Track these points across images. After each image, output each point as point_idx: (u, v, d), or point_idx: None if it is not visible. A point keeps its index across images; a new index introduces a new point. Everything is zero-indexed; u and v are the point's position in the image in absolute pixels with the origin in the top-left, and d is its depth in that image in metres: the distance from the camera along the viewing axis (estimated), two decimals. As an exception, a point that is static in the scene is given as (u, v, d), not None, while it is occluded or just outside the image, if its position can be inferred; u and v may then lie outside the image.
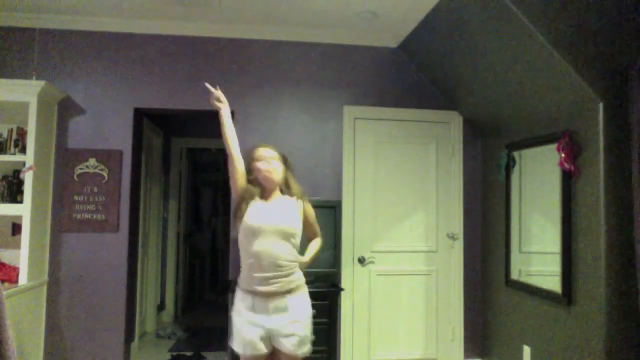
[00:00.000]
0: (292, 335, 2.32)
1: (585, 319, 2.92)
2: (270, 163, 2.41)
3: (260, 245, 2.30)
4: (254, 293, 2.31)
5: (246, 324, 2.31)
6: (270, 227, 2.31)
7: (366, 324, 4.02)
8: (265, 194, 2.43)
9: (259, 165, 2.40)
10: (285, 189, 2.49)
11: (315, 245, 2.60)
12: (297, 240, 2.42)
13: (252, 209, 2.36)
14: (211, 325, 5.61)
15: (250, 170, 2.44)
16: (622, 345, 2.75)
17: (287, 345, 2.31)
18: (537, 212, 3.54)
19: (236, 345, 2.34)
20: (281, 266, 2.31)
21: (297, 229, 2.41)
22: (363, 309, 4.02)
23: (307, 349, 2.37)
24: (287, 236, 2.35)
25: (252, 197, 2.37)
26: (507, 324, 3.78)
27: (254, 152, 2.46)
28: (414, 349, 4.08)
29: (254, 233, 2.31)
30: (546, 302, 3.28)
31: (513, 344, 3.68)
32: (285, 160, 2.50)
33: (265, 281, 2.29)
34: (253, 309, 2.31)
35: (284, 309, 2.33)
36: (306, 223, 2.51)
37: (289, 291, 2.34)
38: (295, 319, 2.34)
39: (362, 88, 4.13)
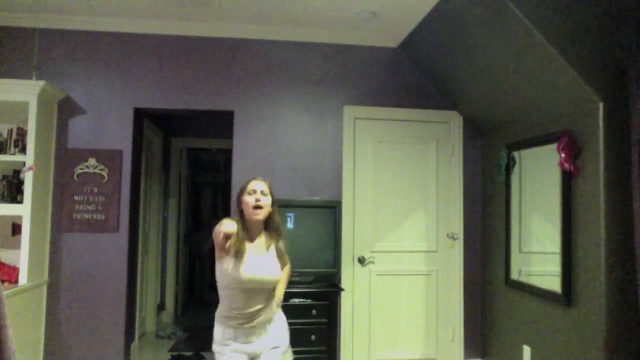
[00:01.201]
0: (277, 347, 2.34)
1: (585, 319, 2.92)
2: (259, 198, 2.28)
3: (247, 299, 2.23)
4: (235, 328, 2.26)
5: (230, 352, 2.26)
6: (258, 281, 2.23)
7: (366, 324, 4.02)
8: (250, 233, 2.31)
9: (248, 199, 2.27)
10: (270, 223, 2.37)
11: (285, 276, 2.55)
12: None
13: (247, 257, 2.23)
14: (211, 325, 5.58)
15: (239, 203, 2.32)
16: (622, 345, 2.75)
17: (272, 357, 2.32)
18: (537, 212, 3.53)
19: None
20: (263, 309, 2.30)
21: (278, 278, 2.36)
22: (363, 309, 4.02)
23: (290, 357, 2.42)
24: (270, 286, 2.31)
25: (242, 250, 2.22)
26: (507, 324, 3.78)
27: (245, 184, 2.34)
28: (414, 349, 4.08)
29: (242, 285, 2.21)
30: (546, 302, 3.28)
31: (513, 344, 3.68)
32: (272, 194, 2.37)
33: (248, 322, 2.27)
34: (235, 339, 2.27)
35: (265, 334, 2.32)
36: (280, 257, 2.40)
37: (268, 322, 2.34)
38: (276, 336, 2.36)
39: (362, 88, 4.13)
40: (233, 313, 2.25)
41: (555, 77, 2.93)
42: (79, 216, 3.77)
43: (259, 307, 2.26)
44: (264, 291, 2.28)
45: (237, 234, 2.20)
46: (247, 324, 2.25)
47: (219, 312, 2.34)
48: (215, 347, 2.34)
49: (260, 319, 2.28)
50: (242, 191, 2.33)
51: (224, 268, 2.21)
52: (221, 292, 2.28)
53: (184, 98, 3.95)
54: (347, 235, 3.98)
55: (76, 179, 3.78)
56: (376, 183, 4.10)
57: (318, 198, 3.91)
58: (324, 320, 3.52)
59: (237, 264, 2.18)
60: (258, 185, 2.31)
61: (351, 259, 4.01)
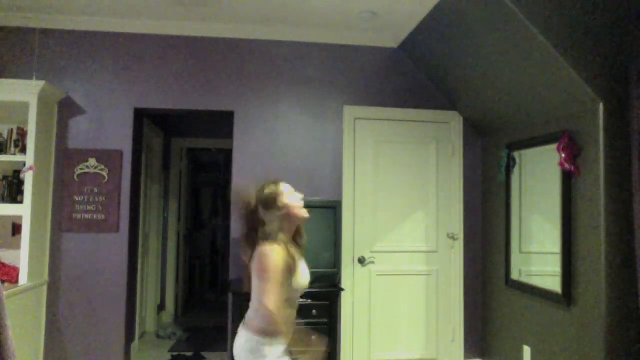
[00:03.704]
0: None
1: (585, 319, 2.92)
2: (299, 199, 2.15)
3: (297, 301, 2.20)
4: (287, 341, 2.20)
5: None
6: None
7: (366, 324, 4.02)
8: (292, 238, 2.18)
9: (294, 201, 2.10)
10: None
11: None
12: None
13: (300, 267, 2.15)
14: (211, 325, 5.61)
15: (273, 208, 2.07)
16: (622, 345, 2.75)
17: None
18: (537, 212, 3.53)
19: None
20: None
21: None
22: (363, 309, 4.02)
23: None
24: None
25: (294, 261, 2.07)
26: (507, 324, 3.78)
27: (275, 187, 2.12)
28: (414, 349, 4.08)
29: (302, 290, 2.17)
30: (546, 302, 3.28)
31: (513, 344, 3.68)
32: None
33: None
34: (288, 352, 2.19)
35: None
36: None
37: None
38: None
39: (362, 88, 4.12)
40: (291, 320, 2.13)
41: (555, 77, 2.92)
42: (79, 216, 3.77)
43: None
44: None
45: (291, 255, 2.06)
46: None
47: (275, 329, 2.01)
48: None
49: None
50: (275, 198, 2.08)
51: (295, 280, 2.07)
52: (282, 309, 2.02)
53: (184, 98, 3.95)
54: (347, 235, 3.98)
55: (76, 179, 3.78)
56: (376, 183, 4.09)
57: (318, 198, 3.90)
58: (324, 320, 3.52)
59: (299, 271, 2.09)
60: (288, 187, 2.16)
61: (351, 259, 4.01)
